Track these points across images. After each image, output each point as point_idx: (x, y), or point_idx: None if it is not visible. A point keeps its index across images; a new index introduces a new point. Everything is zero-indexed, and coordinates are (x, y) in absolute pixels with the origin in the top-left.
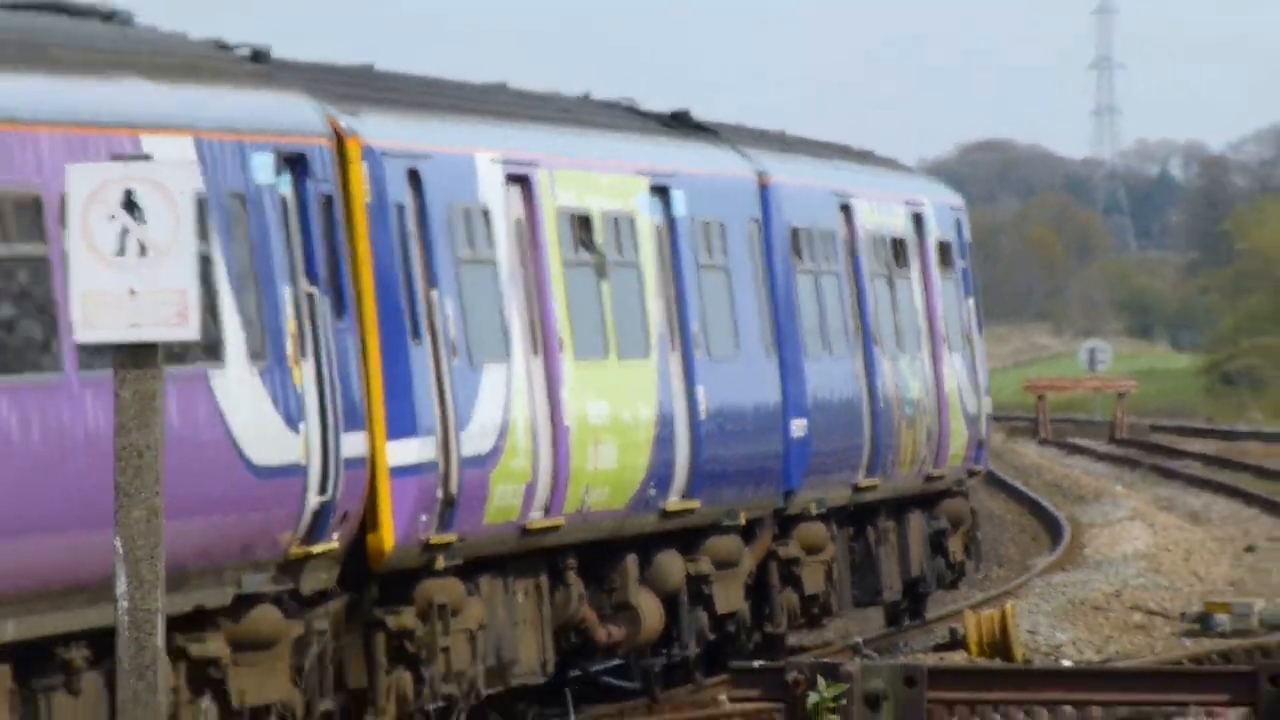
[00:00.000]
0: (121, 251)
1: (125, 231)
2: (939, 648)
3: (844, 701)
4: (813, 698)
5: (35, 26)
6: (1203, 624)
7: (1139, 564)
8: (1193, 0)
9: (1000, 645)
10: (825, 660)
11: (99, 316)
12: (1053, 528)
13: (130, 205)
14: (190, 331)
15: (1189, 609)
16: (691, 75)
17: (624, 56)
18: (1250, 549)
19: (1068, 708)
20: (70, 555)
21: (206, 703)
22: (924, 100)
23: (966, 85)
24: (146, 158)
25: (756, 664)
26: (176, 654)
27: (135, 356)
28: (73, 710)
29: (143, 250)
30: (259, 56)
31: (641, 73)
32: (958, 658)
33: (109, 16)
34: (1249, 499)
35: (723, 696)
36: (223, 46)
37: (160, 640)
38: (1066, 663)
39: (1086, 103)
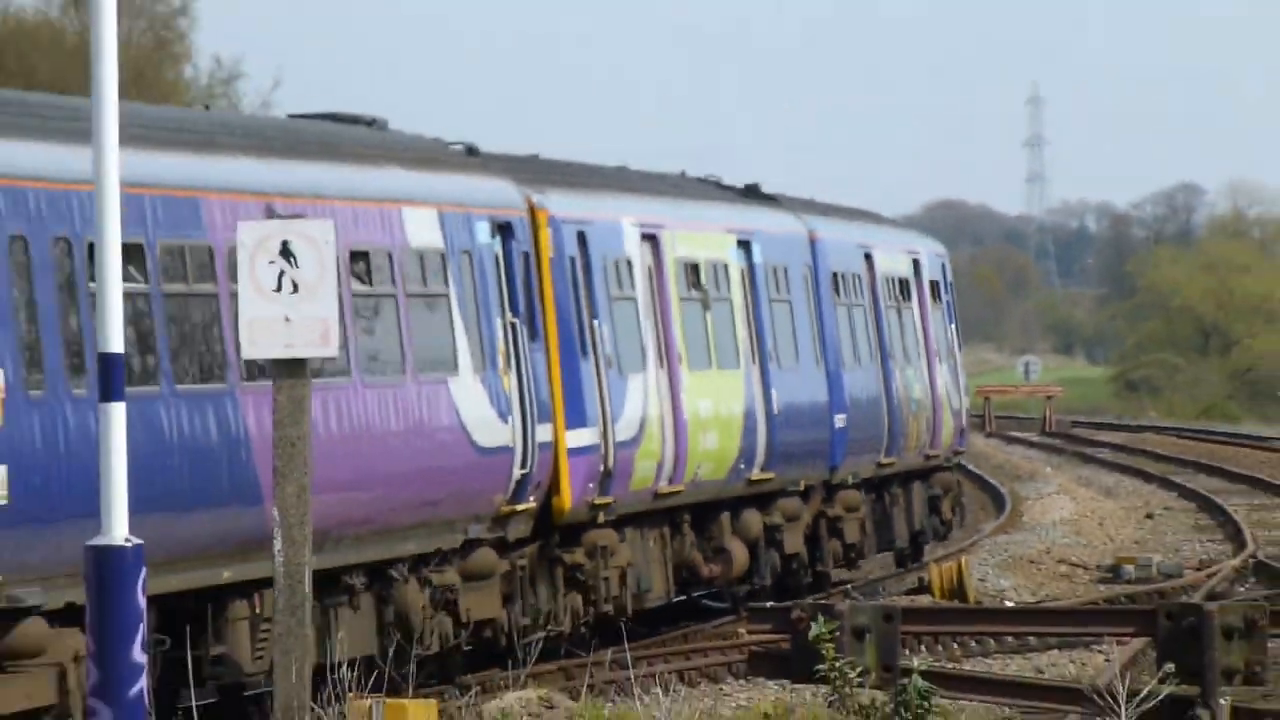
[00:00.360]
0: (279, 288)
1: (282, 273)
2: (910, 592)
3: (837, 634)
4: (813, 630)
5: (325, 130)
6: (1114, 573)
7: (1064, 527)
8: (1102, 94)
9: (957, 590)
10: (822, 601)
11: (261, 338)
12: (998, 500)
13: (286, 253)
14: (330, 350)
15: (1103, 562)
16: (699, 137)
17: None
18: (1150, 516)
19: (1009, 637)
20: (349, 509)
21: (444, 620)
22: (894, 166)
23: (929, 156)
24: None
25: (768, 605)
26: (423, 581)
27: (289, 369)
28: (352, 619)
29: (295, 288)
30: (471, 150)
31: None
32: (924, 600)
33: (370, 122)
34: (1148, 478)
35: (742, 630)
36: (443, 144)
37: (308, 587)
38: (1009, 603)
39: (1021, 171)
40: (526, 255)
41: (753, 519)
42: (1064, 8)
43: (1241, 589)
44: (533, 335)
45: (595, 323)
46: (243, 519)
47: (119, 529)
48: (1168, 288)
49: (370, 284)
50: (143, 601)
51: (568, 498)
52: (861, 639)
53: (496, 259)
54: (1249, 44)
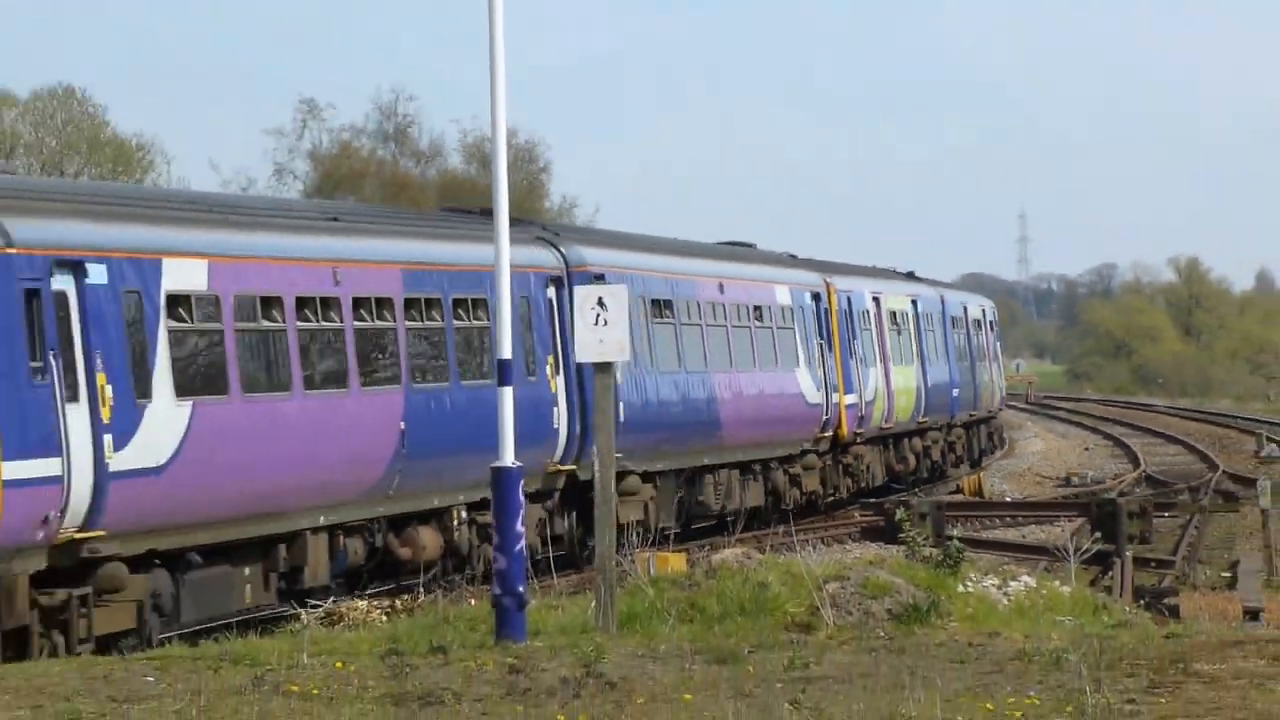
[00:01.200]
0: (596, 323)
1: (598, 314)
2: (951, 493)
3: (910, 516)
4: (898, 515)
5: (735, 250)
6: (1066, 482)
7: (1038, 455)
8: (1062, 212)
9: (978, 491)
10: (902, 499)
11: (586, 350)
12: (1002, 440)
13: (600, 303)
14: (624, 357)
15: (1060, 475)
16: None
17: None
18: (1087, 449)
19: (1007, 518)
20: (754, 435)
21: (794, 490)
22: (939, 252)
23: (962, 246)
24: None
25: (872, 500)
26: (785, 471)
27: (602, 368)
28: (753, 486)
29: (605, 323)
30: (793, 256)
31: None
32: (959, 497)
33: (750, 245)
34: (1085, 427)
35: (856, 514)
36: (780, 253)
37: (611, 488)
38: (1007, 498)
39: (1014, 256)
40: (825, 309)
41: (917, 442)
42: (1041, 156)
43: (1137, 490)
44: (829, 348)
45: (855, 341)
46: (712, 435)
47: (508, 456)
48: (1097, 321)
49: (762, 322)
50: (522, 498)
51: (845, 430)
52: (924, 519)
53: (814, 311)
54: (1149, 185)
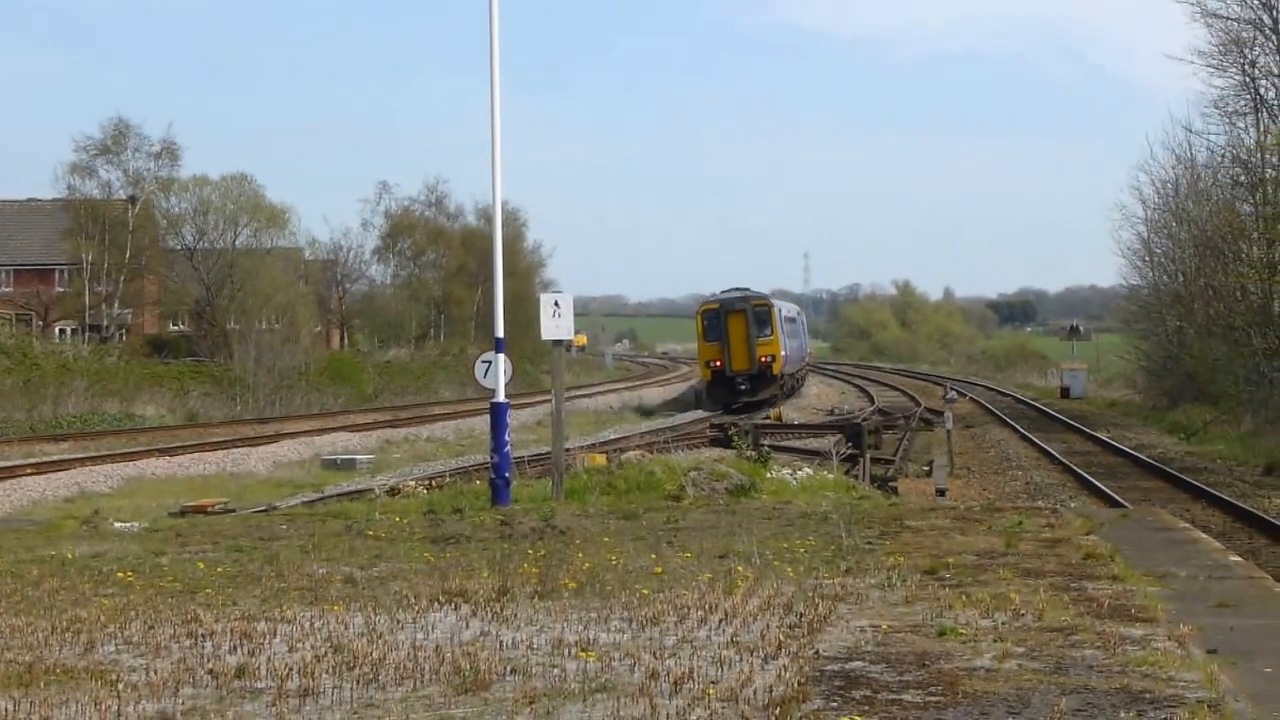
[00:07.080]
0: (553, 316)
1: (555, 309)
2: (763, 419)
3: (739, 433)
4: (732, 431)
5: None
6: (832, 412)
7: (815, 396)
8: (830, 248)
9: (780, 418)
10: (735, 421)
11: (549, 332)
12: (802, 385)
13: (557, 305)
14: (570, 338)
15: (827, 408)
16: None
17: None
18: (843, 393)
19: (797, 433)
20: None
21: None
22: (750, 278)
23: (766, 272)
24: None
25: (719, 422)
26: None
27: (557, 344)
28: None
29: (560, 315)
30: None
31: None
32: (768, 421)
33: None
34: (843, 380)
35: (709, 431)
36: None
37: (562, 413)
38: (796, 421)
39: (801, 276)
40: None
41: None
42: (817, 220)
43: (873, 417)
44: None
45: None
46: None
47: (501, 395)
48: (850, 317)
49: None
50: (508, 419)
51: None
52: (748, 435)
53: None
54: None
